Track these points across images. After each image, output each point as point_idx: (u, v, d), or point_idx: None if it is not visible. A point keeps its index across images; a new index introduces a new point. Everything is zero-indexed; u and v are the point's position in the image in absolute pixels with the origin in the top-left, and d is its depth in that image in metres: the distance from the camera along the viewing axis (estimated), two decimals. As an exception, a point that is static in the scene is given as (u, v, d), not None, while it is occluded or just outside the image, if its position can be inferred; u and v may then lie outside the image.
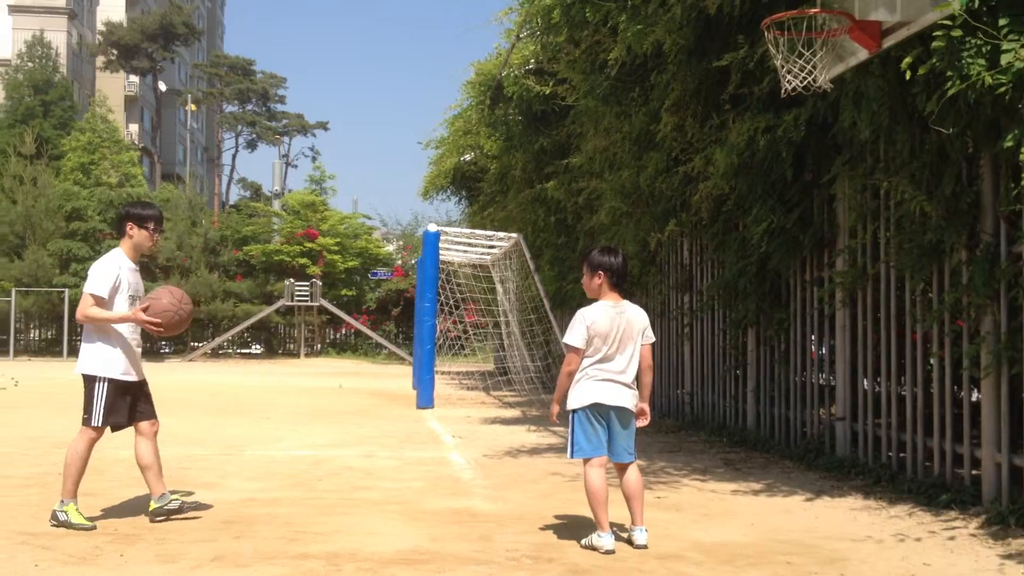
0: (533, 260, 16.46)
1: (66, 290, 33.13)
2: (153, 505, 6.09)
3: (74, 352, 34.92)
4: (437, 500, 6.94)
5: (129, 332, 6.09)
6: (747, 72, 8.33)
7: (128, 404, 6.12)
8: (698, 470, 8.53)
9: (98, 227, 34.10)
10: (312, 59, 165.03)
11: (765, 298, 9.85)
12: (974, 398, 7.15)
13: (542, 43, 13.08)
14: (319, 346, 37.71)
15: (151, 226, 6.21)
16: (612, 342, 5.35)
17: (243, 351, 38.45)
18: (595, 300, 5.50)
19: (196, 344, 36.05)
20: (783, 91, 6.68)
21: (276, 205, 46.00)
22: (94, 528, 5.80)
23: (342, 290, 37.10)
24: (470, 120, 19.42)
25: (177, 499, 6.16)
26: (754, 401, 10.38)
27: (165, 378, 22.99)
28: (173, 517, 6.07)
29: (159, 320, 5.98)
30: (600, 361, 5.34)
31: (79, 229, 34.12)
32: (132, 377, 6.11)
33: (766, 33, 6.59)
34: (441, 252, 16.15)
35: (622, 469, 5.47)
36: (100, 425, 6.02)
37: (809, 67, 6.50)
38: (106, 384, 5.99)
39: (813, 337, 9.30)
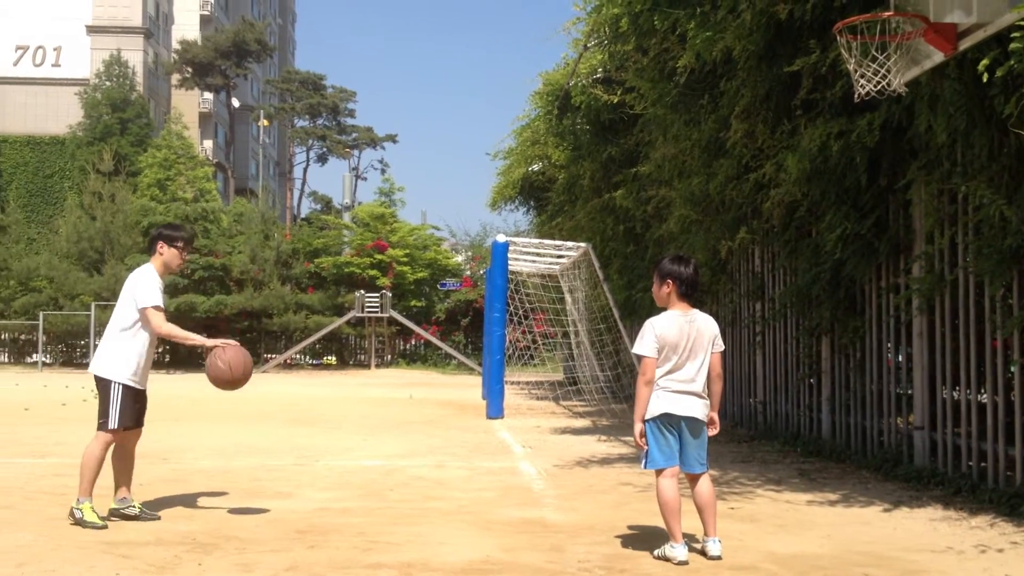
0: (602, 269, 16.41)
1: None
2: (113, 505, 6.44)
3: (153, 365, 35.69)
4: (508, 510, 6.95)
5: (147, 344, 6.43)
6: (819, 77, 8.23)
7: (137, 409, 6.45)
8: (772, 480, 8.41)
9: (174, 241, 34.78)
10: (381, 73, 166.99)
11: (839, 305, 9.68)
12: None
13: (610, 52, 13.06)
14: (389, 357, 38.00)
15: (180, 245, 6.55)
16: (682, 351, 5.30)
17: (315, 362, 38.91)
18: (665, 309, 5.46)
19: (269, 356, 36.57)
20: (856, 96, 6.58)
21: (346, 218, 46.52)
22: (106, 527, 6.13)
23: (411, 301, 37.36)
24: (538, 130, 19.46)
25: (136, 506, 6.46)
26: (829, 410, 10.21)
27: (236, 391, 23.36)
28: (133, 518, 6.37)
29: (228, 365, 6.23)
30: (670, 371, 5.30)
31: (156, 244, 34.81)
32: (141, 386, 6.45)
33: (838, 37, 6.49)
34: (510, 262, 16.19)
35: (694, 480, 5.42)
36: (117, 428, 6.30)
37: (883, 71, 6.39)
38: (121, 388, 6.29)
39: (890, 345, 9.12)
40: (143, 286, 6.30)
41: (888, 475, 8.40)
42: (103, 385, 6.33)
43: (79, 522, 6.14)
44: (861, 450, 9.44)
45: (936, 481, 7.82)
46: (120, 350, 6.33)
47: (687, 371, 5.30)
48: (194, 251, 34.79)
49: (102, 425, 6.30)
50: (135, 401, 6.39)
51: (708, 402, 5.40)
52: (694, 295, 5.46)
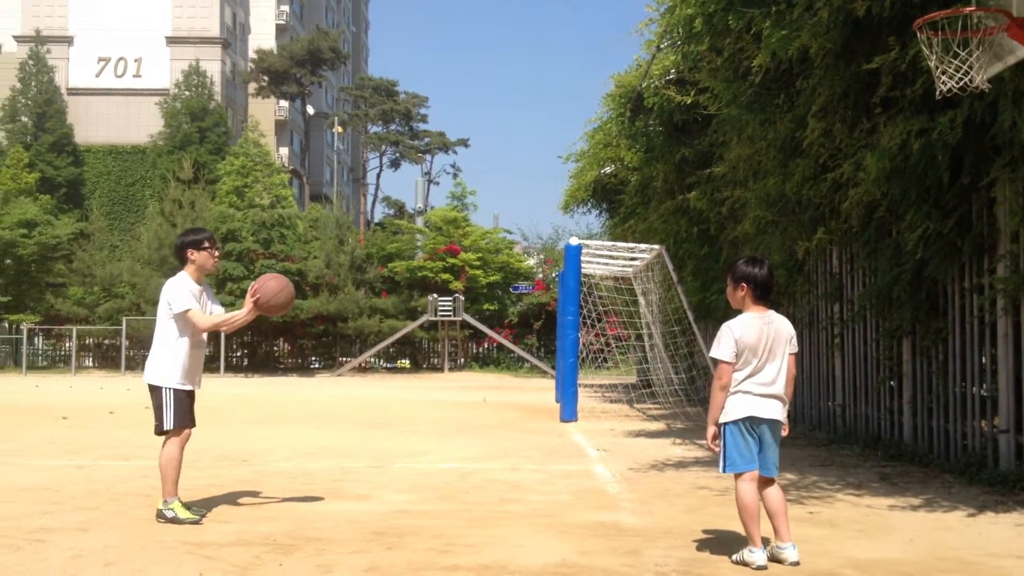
0: (676, 271, 16.31)
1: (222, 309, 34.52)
2: (159, 506, 6.52)
3: (232, 368, 36.43)
4: (583, 513, 6.94)
5: (196, 344, 6.63)
6: (898, 74, 8.08)
7: (190, 408, 6.63)
8: (852, 484, 8.27)
9: (252, 247, 35.47)
10: (453, 78, 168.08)
11: (921, 307, 9.48)
12: None
13: (683, 52, 12.97)
14: (462, 360, 38.23)
15: (207, 245, 6.69)
16: (762, 353, 5.24)
17: (389, 365, 39.28)
18: (739, 311, 5.40)
19: (344, 359, 37.03)
20: (938, 93, 6.46)
21: (419, 222, 46.96)
22: (199, 522, 6.33)
23: (484, 304, 37.53)
24: (610, 132, 19.39)
25: (172, 511, 6.49)
26: (911, 413, 10.00)
27: (315, 393, 23.73)
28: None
29: (269, 300, 6.60)
30: (751, 374, 5.24)
31: (234, 250, 35.58)
32: (189, 387, 6.62)
33: (919, 34, 6.38)
34: (583, 265, 16.16)
35: (765, 484, 5.34)
36: (176, 427, 6.50)
37: (965, 67, 6.26)
38: (172, 392, 6.51)
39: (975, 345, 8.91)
40: (174, 294, 6.52)
41: (972, 479, 8.21)
42: (155, 392, 6.56)
43: (172, 520, 6.32)
44: (944, 454, 9.24)
45: (1022, 486, 7.61)
46: (165, 357, 6.56)
47: (767, 373, 5.25)
48: (271, 256, 35.42)
49: (158, 428, 6.55)
50: (188, 401, 6.60)
51: (787, 404, 5.34)
52: (769, 297, 5.39)
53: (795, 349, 5.40)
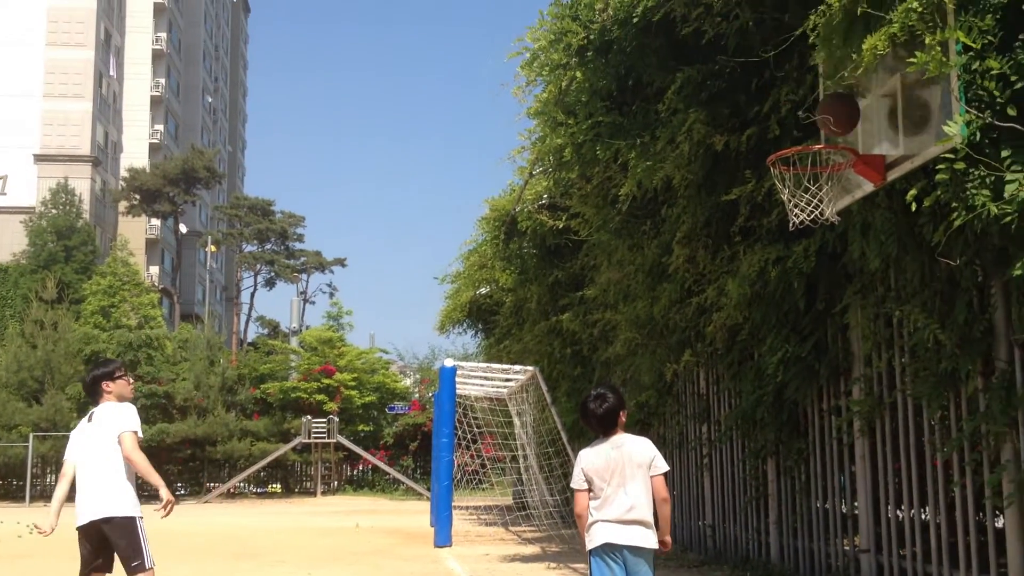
0: (550, 392, 16.44)
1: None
2: None
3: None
4: (456, 643, 6.78)
5: (133, 473, 6.35)
6: (756, 205, 8.49)
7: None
8: (723, 607, 8.32)
9: (117, 368, 34.29)
10: (329, 198, 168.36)
11: (783, 427, 9.77)
12: (999, 524, 7.01)
13: (554, 179, 13.35)
14: (336, 483, 37.34)
15: (121, 374, 6.53)
16: (611, 480, 5.27)
17: (259, 490, 38.07)
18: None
19: (212, 485, 35.74)
20: (791, 224, 6.80)
21: (294, 342, 46.24)
22: None
23: (359, 425, 36.93)
24: (485, 254, 19.67)
25: None
26: (777, 533, 10.18)
27: (177, 521, 22.73)
28: None
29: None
30: (605, 500, 5.27)
31: (98, 371, 34.28)
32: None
33: (772, 168, 6.73)
34: (458, 386, 16.15)
35: None
36: (153, 565, 6.16)
37: (816, 200, 6.62)
38: (142, 523, 6.22)
39: (834, 466, 9.18)
40: (127, 416, 6.26)
41: (838, 599, 8.36)
42: (126, 525, 6.15)
43: None
44: (810, 574, 9.40)
45: (885, 604, 7.79)
46: (124, 484, 6.23)
47: (622, 499, 5.24)
48: (137, 379, 34.29)
49: (138, 567, 6.11)
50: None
51: (653, 528, 5.34)
52: (612, 430, 5.39)
53: (661, 470, 5.34)
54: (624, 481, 5.26)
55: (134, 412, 6.32)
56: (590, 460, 5.31)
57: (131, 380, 6.61)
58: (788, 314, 8.88)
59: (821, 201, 6.64)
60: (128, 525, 6.11)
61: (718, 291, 9.28)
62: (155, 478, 6.26)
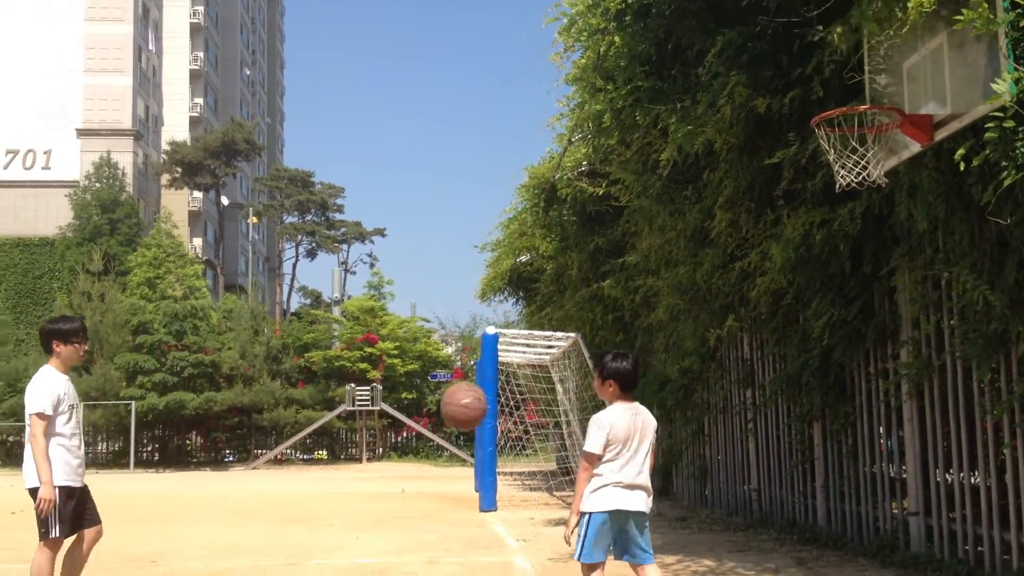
0: (592, 359, 16.44)
1: (132, 403, 33.66)
2: None
3: (141, 464, 35.37)
4: (505, 607, 6.86)
5: (67, 439, 6.28)
6: (800, 168, 8.41)
7: (74, 509, 6.27)
8: (769, 570, 8.34)
9: (164, 339, 34.79)
10: (369, 168, 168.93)
11: (829, 391, 9.72)
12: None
13: (594, 146, 13.31)
14: (381, 450, 37.71)
15: (75, 340, 6.42)
16: (632, 444, 5.32)
17: (306, 457, 38.58)
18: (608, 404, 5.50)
19: (260, 452, 36.27)
20: (837, 186, 6.74)
21: (336, 312, 46.59)
22: None
23: (402, 393, 37.23)
24: (525, 222, 19.67)
25: None
26: (824, 497, 10.17)
27: (228, 487, 23.13)
28: None
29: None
30: (623, 465, 5.30)
31: (145, 342, 34.84)
32: (75, 483, 6.28)
33: (817, 130, 6.67)
34: (500, 354, 16.21)
35: (642, 571, 5.40)
36: (60, 536, 6.17)
37: (862, 162, 6.55)
38: (56, 492, 6.14)
39: (881, 429, 9.14)
40: (31, 392, 6.21)
41: (885, 562, 8.35)
42: (33, 495, 6.18)
43: None
44: (857, 537, 9.39)
45: (933, 567, 7.77)
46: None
47: (635, 464, 5.31)
48: (184, 348, 34.75)
49: (44, 535, 6.16)
50: (71, 500, 6.24)
51: (651, 495, 5.42)
52: (634, 389, 5.49)
53: (654, 441, 5.49)
54: (639, 447, 5.35)
55: (43, 388, 6.21)
56: (619, 424, 5.33)
57: (83, 348, 6.49)
58: (834, 277, 8.80)
59: (867, 163, 6.57)
60: (35, 496, 6.17)
61: (762, 255, 9.22)
62: (44, 468, 6.12)
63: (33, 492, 6.19)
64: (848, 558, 8.85)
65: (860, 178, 6.58)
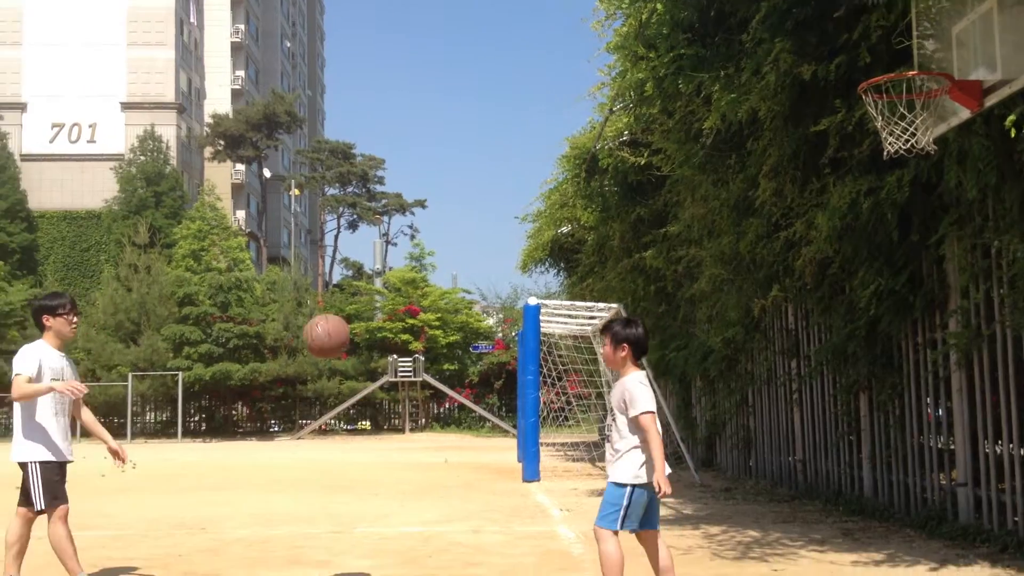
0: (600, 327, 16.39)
1: (179, 373, 34.13)
2: None
3: (189, 433, 35.93)
4: (550, 575, 6.90)
5: (52, 414, 6.30)
6: (846, 135, 8.28)
7: (61, 483, 6.30)
8: (815, 540, 8.31)
9: (209, 311, 35.19)
10: (409, 140, 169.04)
11: (876, 362, 9.63)
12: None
13: (635, 115, 13.18)
14: (423, 421, 37.99)
15: (64, 312, 6.44)
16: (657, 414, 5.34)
17: (349, 427, 38.97)
18: (617, 371, 5.46)
19: (304, 422, 36.68)
20: (885, 153, 6.63)
21: (378, 283, 46.87)
22: None
23: (444, 364, 37.44)
24: (566, 193, 19.59)
25: None
26: (870, 468, 10.10)
27: (274, 456, 23.43)
28: None
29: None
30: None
31: (191, 314, 35.27)
32: (61, 458, 6.31)
33: (864, 97, 6.57)
34: (542, 324, 16.21)
35: (655, 538, 5.43)
36: (43, 508, 6.20)
37: (911, 129, 6.44)
38: (39, 466, 6.20)
39: (929, 400, 9.05)
40: (17, 359, 6.25)
41: (933, 533, 8.29)
42: (23, 469, 6.25)
43: None
44: (904, 508, 9.32)
45: (982, 539, 7.70)
46: (27, 431, 6.26)
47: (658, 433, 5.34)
48: (229, 320, 35.15)
49: (30, 507, 6.22)
50: (55, 475, 6.26)
51: None
52: (643, 359, 5.44)
53: None
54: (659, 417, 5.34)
55: (28, 352, 6.25)
56: (651, 388, 5.34)
57: (74, 319, 6.50)
58: (881, 247, 8.69)
59: (915, 130, 6.46)
60: (23, 469, 6.24)
61: (807, 225, 9.12)
62: (45, 389, 6.19)
63: (20, 467, 6.25)
64: (895, 529, 8.80)
65: (908, 145, 6.48)
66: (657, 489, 5.18)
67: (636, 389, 5.25)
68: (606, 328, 5.52)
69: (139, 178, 52.12)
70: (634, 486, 5.25)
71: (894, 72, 6.64)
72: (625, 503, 5.25)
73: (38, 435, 6.25)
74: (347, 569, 7.30)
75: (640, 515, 5.28)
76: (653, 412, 5.24)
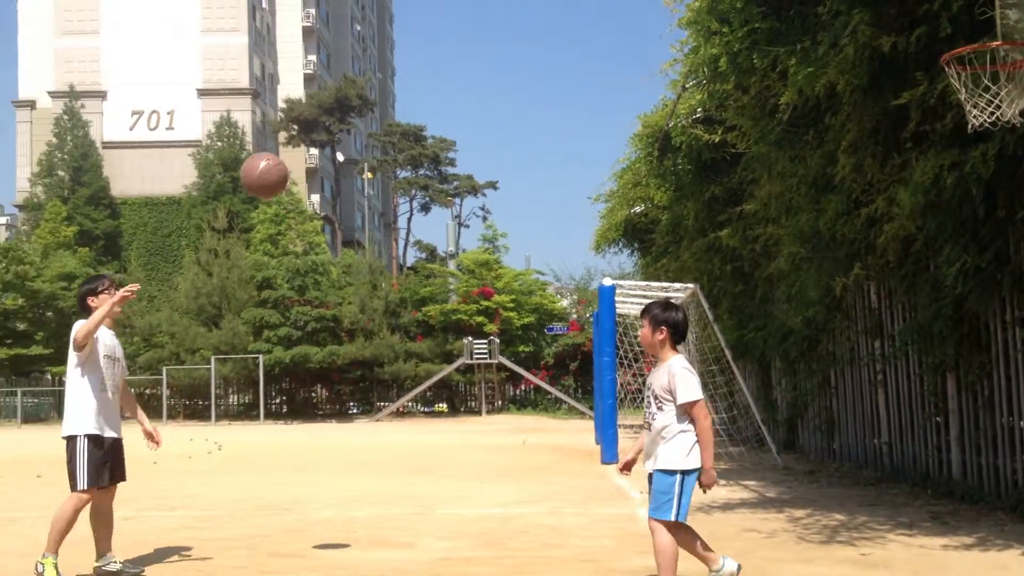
0: (711, 310, 16.24)
1: (260, 356, 34.77)
2: (96, 564, 6.40)
3: (271, 415, 36.60)
4: (630, 558, 6.89)
5: (101, 389, 6.37)
6: (928, 108, 8.06)
7: (103, 460, 6.32)
8: (903, 524, 8.16)
9: (287, 294, 35.76)
10: (479, 121, 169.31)
11: (963, 341, 9.38)
12: None
13: (709, 91, 12.99)
14: (500, 403, 38.18)
15: (104, 288, 6.50)
16: None
17: (426, 410, 39.32)
18: (655, 355, 5.41)
19: (382, 404, 37.11)
20: (969, 127, 6.45)
21: (451, 265, 47.14)
22: None
23: (519, 346, 37.53)
24: (639, 172, 19.43)
25: (118, 563, 6.43)
26: (959, 450, 9.87)
27: (354, 439, 23.77)
28: None
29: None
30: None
31: (270, 297, 35.89)
32: (106, 433, 6.35)
33: (947, 68, 6.39)
34: (617, 305, 16.13)
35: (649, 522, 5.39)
36: (88, 487, 6.22)
37: (995, 101, 6.25)
38: (85, 440, 6.23)
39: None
40: (74, 329, 6.31)
41: (1024, 516, 8.08)
42: (69, 444, 6.27)
43: None
44: (995, 491, 9.10)
45: (1076, 521, 7.49)
46: (73, 405, 6.32)
47: None
48: (306, 303, 35.67)
49: (73, 486, 6.24)
50: (99, 449, 6.29)
51: None
52: (683, 341, 5.38)
53: None
54: None
55: (80, 323, 6.31)
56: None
57: (116, 294, 6.48)
58: (966, 223, 8.45)
59: (1000, 102, 6.26)
60: (70, 444, 6.28)
61: (889, 201, 8.91)
62: (104, 309, 6.31)
63: (66, 442, 6.32)
64: (985, 512, 8.60)
65: (993, 118, 6.30)
66: (709, 482, 5.18)
67: (682, 375, 5.22)
68: (646, 311, 5.45)
69: (216, 163, 53.15)
70: (684, 472, 5.20)
71: (977, 43, 6.44)
72: (677, 490, 5.20)
73: (88, 410, 6.31)
74: (429, 550, 7.37)
75: (690, 500, 5.23)
76: (703, 400, 5.21)
